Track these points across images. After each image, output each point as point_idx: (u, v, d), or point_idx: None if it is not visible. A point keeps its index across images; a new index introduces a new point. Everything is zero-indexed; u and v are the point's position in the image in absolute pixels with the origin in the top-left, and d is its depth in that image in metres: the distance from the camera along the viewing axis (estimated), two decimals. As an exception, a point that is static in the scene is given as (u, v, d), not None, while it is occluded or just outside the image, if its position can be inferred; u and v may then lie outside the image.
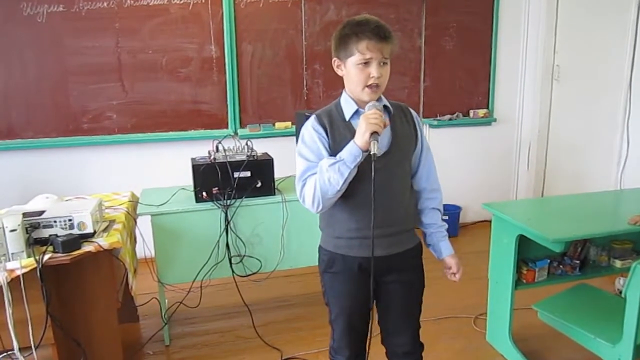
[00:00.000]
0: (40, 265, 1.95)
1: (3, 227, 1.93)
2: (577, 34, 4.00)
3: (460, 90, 4.38)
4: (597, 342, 2.14)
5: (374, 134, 1.48)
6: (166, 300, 2.83)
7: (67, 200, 2.60)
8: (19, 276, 1.92)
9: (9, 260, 1.95)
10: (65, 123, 3.65)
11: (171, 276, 2.75)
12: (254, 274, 2.86)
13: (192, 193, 2.73)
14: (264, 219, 2.82)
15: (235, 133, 3.88)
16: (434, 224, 1.80)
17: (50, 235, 2.07)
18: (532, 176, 4.53)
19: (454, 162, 4.36)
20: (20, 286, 1.94)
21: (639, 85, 3.39)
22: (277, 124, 3.98)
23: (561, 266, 2.61)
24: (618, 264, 2.65)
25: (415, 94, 4.25)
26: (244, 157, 2.75)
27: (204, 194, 2.70)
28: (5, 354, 2.03)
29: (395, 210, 1.67)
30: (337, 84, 3.93)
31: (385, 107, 1.65)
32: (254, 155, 2.78)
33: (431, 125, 4.31)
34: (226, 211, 2.71)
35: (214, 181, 2.69)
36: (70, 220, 2.10)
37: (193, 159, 2.76)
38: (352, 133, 1.55)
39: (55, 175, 3.68)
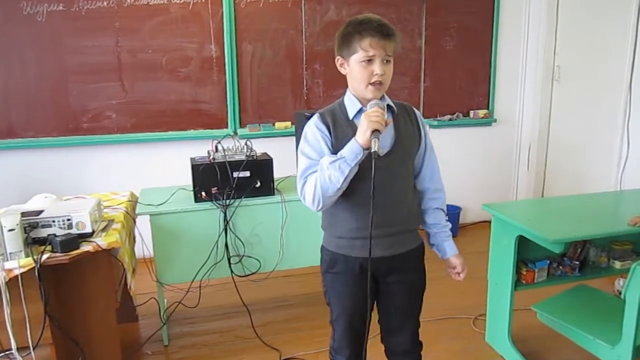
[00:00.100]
0: (39, 265, 1.95)
1: (1, 227, 1.93)
2: (577, 35, 3.99)
3: (461, 91, 4.38)
4: (596, 343, 2.13)
5: (375, 132, 1.47)
6: (165, 300, 2.83)
7: (65, 200, 2.59)
8: (17, 276, 1.92)
9: (7, 260, 1.94)
10: (64, 122, 3.65)
11: (170, 276, 2.75)
12: (253, 274, 2.86)
13: (192, 193, 2.73)
14: (263, 219, 2.82)
15: (235, 133, 3.87)
16: (438, 224, 1.80)
17: (48, 234, 2.07)
18: (532, 177, 4.52)
19: (454, 163, 4.36)
20: (18, 286, 1.93)
21: (639, 86, 3.38)
22: (277, 124, 3.98)
23: (561, 267, 2.60)
24: (618, 265, 2.64)
25: (416, 94, 4.25)
26: (243, 157, 2.75)
27: (203, 193, 2.69)
28: (3, 353, 2.02)
29: (397, 210, 1.67)
30: (337, 84, 3.97)
31: (388, 106, 1.65)
32: (253, 155, 2.78)
33: (431, 126, 4.30)
34: (225, 211, 2.71)
35: (213, 181, 2.68)
36: (68, 219, 2.10)
37: (192, 159, 2.76)
38: (355, 132, 1.55)
39: (55, 174, 3.68)
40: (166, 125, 3.81)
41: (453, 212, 4.24)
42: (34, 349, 2.01)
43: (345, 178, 1.52)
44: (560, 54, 4.19)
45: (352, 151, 1.51)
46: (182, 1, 3.64)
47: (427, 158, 1.76)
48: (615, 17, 3.53)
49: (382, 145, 1.59)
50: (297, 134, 2.93)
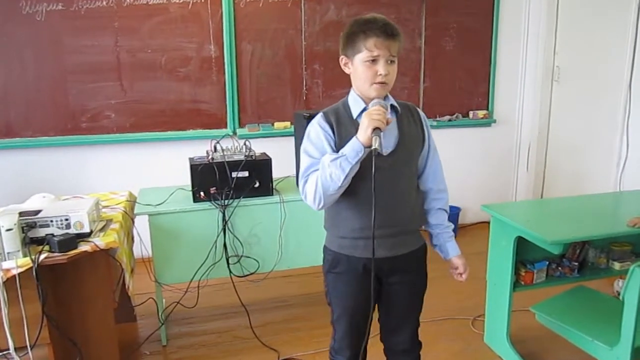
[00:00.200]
0: (36, 265, 1.94)
1: (-1, 227, 1.93)
2: (577, 35, 3.99)
3: (460, 91, 4.37)
4: (594, 344, 2.13)
5: (376, 130, 1.48)
6: (163, 300, 2.82)
7: (64, 200, 2.59)
8: (14, 276, 1.92)
9: (5, 260, 1.94)
10: (63, 122, 3.65)
11: (168, 276, 2.74)
12: (251, 274, 2.85)
13: (190, 193, 2.73)
14: (262, 219, 2.82)
15: (234, 133, 3.87)
16: (441, 225, 1.80)
17: (46, 234, 2.06)
18: (532, 177, 4.52)
19: (454, 163, 4.33)
20: (16, 286, 1.93)
21: (639, 86, 3.38)
22: (276, 124, 3.97)
23: (560, 268, 2.60)
24: (617, 266, 2.64)
25: (415, 95, 4.25)
26: (242, 157, 2.74)
27: (202, 193, 2.69)
28: (1, 353, 2.02)
29: (400, 210, 1.67)
30: (336, 84, 3.97)
31: (392, 106, 1.65)
32: (252, 155, 2.77)
33: (431, 126, 4.29)
34: (224, 211, 2.71)
35: (212, 181, 2.68)
36: (66, 219, 2.10)
37: (191, 159, 2.76)
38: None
39: (54, 174, 3.67)
40: (165, 125, 3.81)
41: (452, 213, 4.23)
42: (31, 349, 2.00)
43: (346, 176, 1.52)
44: (560, 54, 4.18)
45: (353, 149, 1.51)
46: (181, 1, 3.64)
47: (430, 158, 1.76)
48: (615, 17, 3.53)
49: (386, 145, 1.60)
50: (297, 134, 2.93)
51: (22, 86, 3.54)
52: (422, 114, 1.76)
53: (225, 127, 3.91)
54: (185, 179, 2.78)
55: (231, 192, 2.70)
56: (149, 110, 3.76)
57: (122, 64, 3.65)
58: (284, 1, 3.83)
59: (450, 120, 4.34)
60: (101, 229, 2.27)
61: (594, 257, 2.66)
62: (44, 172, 3.67)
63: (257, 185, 2.75)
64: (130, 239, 2.70)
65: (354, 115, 1.63)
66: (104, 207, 2.58)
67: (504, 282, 2.50)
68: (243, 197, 2.73)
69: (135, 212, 2.70)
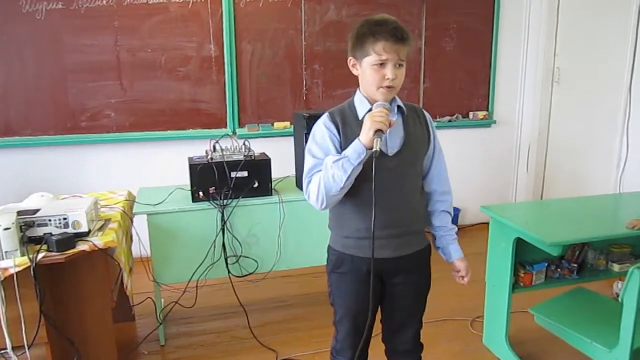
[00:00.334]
0: (34, 264, 1.94)
1: (-3, 225, 1.92)
2: (577, 36, 3.98)
3: (460, 92, 4.37)
4: (593, 346, 2.12)
5: (378, 132, 1.48)
6: (162, 300, 2.82)
7: (62, 199, 2.59)
8: (12, 275, 1.92)
9: (3, 259, 1.94)
10: (63, 121, 3.64)
11: (167, 276, 2.74)
12: (250, 274, 2.85)
13: (189, 192, 2.72)
14: (261, 219, 2.81)
15: (234, 133, 3.87)
16: (444, 227, 1.80)
17: (44, 233, 2.06)
18: (532, 178, 4.52)
19: (453, 164, 4.26)
20: (13, 285, 1.93)
21: (639, 88, 3.38)
22: (276, 124, 3.97)
23: (559, 269, 2.60)
24: (616, 267, 2.64)
25: (415, 95, 4.24)
26: (241, 157, 2.74)
27: (201, 193, 2.69)
28: (-2, 352, 2.02)
29: (405, 211, 1.67)
30: (336, 84, 3.97)
31: (399, 107, 1.66)
32: (251, 155, 2.77)
33: (431, 127, 4.29)
34: (223, 211, 2.70)
35: (211, 181, 2.68)
36: (65, 218, 2.09)
37: (190, 159, 2.75)
38: None
39: (53, 173, 3.67)
40: (165, 124, 3.81)
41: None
42: (29, 348, 2.00)
43: (348, 177, 1.52)
44: (560, 56, 4.18)
45: (355, 150, 1.51)
46: (181, 0, 3.64)
47: (435, 160, 1.76)
48: (616, 19, 3.52)
49: (392, 146, 1.61)
50: (296, 134, 2.92)
51: (21, 85, 3.54)
52: (427, 115, 1.78)
53: (225, 126, 3.90)
54: (185, 179, 2.78)
55: (230, 192, 2.70)
56: (148, 110, 3.76)
57: (122, 63, 3.65)
58: (284, 1, 3.83)
59: (450, 121, 4.34)
60: (99, 228, 2.27)
61: (593, 259, 2.66)
62: (43, 171, 3.66)
63: (256, 185, 2.75)
64: (129, 239, 2.70)
65: (360, 116, 1.63)
66: (103, 206, 2.58)
67: (503, 283, 2.50)
68: (242, 197, 2.73)
69: (134, 211, 2.69)
